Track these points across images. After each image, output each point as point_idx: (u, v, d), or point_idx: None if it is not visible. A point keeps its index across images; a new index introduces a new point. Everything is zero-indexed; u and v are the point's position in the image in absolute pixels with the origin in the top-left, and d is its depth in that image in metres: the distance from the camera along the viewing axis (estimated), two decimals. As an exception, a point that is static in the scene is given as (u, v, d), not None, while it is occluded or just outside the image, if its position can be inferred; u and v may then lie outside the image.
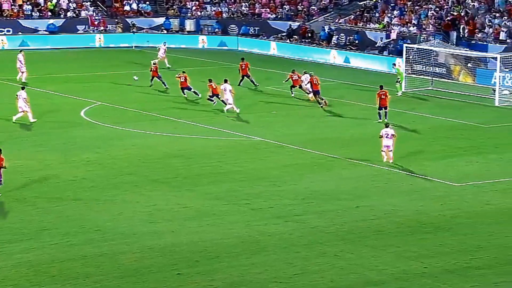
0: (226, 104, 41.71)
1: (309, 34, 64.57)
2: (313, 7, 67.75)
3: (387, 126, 32.69)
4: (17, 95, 38.98)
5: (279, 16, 68.46)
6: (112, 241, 23.70)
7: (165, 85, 47.58)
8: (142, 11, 70.81)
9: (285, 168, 31.85)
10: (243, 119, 40.99)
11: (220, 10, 70.16)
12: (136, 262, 22.21)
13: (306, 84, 45.57)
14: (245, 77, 48.27)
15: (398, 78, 47.67)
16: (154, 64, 48.54)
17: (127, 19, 69.14)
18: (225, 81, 42.39)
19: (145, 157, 33.13)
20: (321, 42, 63.22)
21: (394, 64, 51.94)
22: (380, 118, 39.88)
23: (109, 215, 26.06)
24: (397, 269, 21.80)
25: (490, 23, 55.97)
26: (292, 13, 68.15)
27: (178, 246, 23.34)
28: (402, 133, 37.61)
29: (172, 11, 70.79)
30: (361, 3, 65.47)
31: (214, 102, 42.59)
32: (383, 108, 39.84)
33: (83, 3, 70.26)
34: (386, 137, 32.17)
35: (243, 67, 48.31)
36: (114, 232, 24.46)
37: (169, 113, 41.71)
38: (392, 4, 63.08)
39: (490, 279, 21.22)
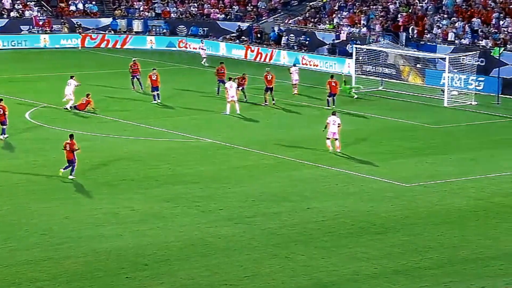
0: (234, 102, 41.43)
1: (259, 35, 64.72)
2: (263, 7, 67.88)
3: (334, 114, 34.29)
4: None
5: (228, 17, 68.46)
6: (58, 245, 23.44)
7: (141, 87, 47.11)
8: (88, 12, 70.22)
9: (235, 169, 31.86)
10: (192, 121, 40.90)
11: (168, 10, 69.87)
12: (83, 266, 21.99)
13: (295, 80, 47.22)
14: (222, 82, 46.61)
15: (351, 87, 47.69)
16: (134, 61, 48.05)
17: (73, 20, 68.49)
18: (229, 79, 42.50)
19: (92, 159, 32.83)
20: (270, 43, 63.41)
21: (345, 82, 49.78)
22: (328, 105, 43.14)
23: (55, 219, 25.77)
24: (347, 270, 21.93)
25: (438, 24, 56.72)
26: (241, 14, 68.22)
27: (126, 250, 23.17)
28: (352, 134, 37.91)
29: (119, 11, 70.33)
30: (310, 3, 65.80)
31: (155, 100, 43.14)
32: (332, 96, 43.37)
33: (27, 3, 69.40)
34: (333, 124, 33.71)
35: (221, 72, 46.73)
36: (60, 236, 24.19)
37: (118, 115, 41.43)
38: (342, 5, 63.52)
39: (440, 279, 21.48)
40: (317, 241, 24.08)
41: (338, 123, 34.03)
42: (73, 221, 25.58)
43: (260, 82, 49.16)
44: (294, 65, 50.39)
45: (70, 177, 30.01)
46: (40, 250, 23.08)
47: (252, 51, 61.76)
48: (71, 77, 43.49)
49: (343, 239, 24.34)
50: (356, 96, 47.29)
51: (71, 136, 30.62)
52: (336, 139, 34.06)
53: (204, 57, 58.54)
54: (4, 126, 36.02)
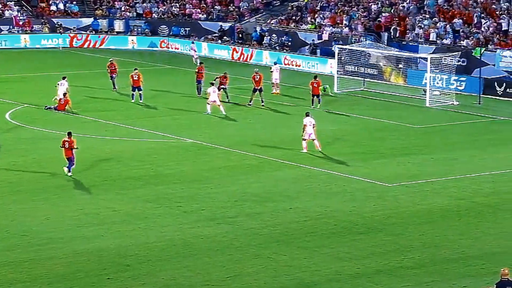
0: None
1: (240, 35, 64.70)
2: (245, 6, 67.86)
3: (308, 115, 34.68)
4: None
5: (209, 17, 68.37)
6: (39, 246, 23.33)
7: (114, 87, 47.04)
8: (69, 11, 69.94)
9: (217, 169, 31.83)
10: (174, 121, 40.83)
11: (150, 10, 69.70)
12: (64, 267, 21.90)
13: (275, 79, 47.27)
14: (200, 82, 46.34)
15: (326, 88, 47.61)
16: (110, 61, 47.91)
17: (53, 20, 68.19)
18: (211, 83, 42.38)
19: (73, 160, 32.67)
20: (252, 43, 63.42)
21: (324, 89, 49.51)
22: (313, 105, 43.45)
23: (35, 220, 25.65)
24: (330, 270, 21.96)
25: (420, 24, 56.93)
26: (223, 14, 68.18)
27: (108, 251, 23.09)
28: (334, 134, 38.00)
29: (101, 11, 70.10)
30: (292, 3, 65.86)
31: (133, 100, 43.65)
32: (315, 96, 43.74)
33: (7, 3, 69.01)
34: (309, 125, 34.18)
35: (200, 72, 46.42)
36: (41, 237, 24.07)
37: (99, 116, 41.29)
38: (324, 5, 63.61)
39: (422, 279, 21.55)
40: (299, 241, 24.10)
41: (313, 124, 34.28)
42: (54, 222, 25.48)
43: (242, 82, 49.23)
44: (275, 63, 50.30)
45: (69, 174, 30.15)
46: (20, 251, 22.96)
47: (237, 52, 61.70)
48: (63, 78, 43.32)
49: (326, 239, 24.38)
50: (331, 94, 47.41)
51: (69, 134, 30.85)
52: (314, 139, 34.18)
53: (196, 58, 58.44)
54: None
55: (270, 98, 46.11)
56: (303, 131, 34.46)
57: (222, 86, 44.69)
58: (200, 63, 48.55)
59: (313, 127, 34.31)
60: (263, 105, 44.10)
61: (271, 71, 48.41)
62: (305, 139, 34.27)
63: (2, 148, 34.66)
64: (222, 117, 41.60)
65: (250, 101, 44.28)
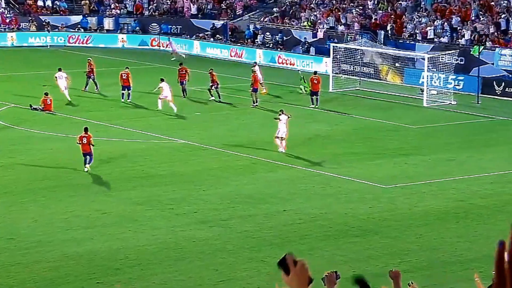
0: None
1: (231, 33, 64.74)
2: (239, 1, 67.86)
3: (283, 113, 34.65)
4: None
5: (201, 12, 68.29)
6: (27, 250, 23.33)
7: (96, 86, 47.02)
8: (57, 9, 69.84)
9: (210, 171, 31.85)
10: (165, 121, 40.84)
11: (141, 4, 69.50)
12: (52, 271, 21.90)
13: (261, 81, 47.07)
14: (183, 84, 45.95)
15: (304, 88, 47.31)
16: (88, 61, 47.85)
17: (41, 17, 68.09)
18: (161, 79, 42.53)
19: (62, 161, 32.69)
20: (246, 42, 63.46)
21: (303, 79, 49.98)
22: (313, 104, 43.74)
23: (23, 222, 25.63)
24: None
25: (417, 22, 57.05)
26: (216, 11, 68.18)
27: (97, 254, 23.10)
28: (329, 134, 38.05)
29: (87, 5, 69.79)
30: (286, 0, 65.92)
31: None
32: (314, 94, 43.69)
33: (-6, 0, 69.00)
34: (284, 123, 34.08)
35: (182, 73, 45.88)
36: (29, 240, 24.07)
37: (89, 116, 41.25)
38: (319, 2, 63.69)
39: (420, 282, 21.54)
40: (293, 244, 24.13)
41: (286, 119, 34.30)
42: (42, 225, 25.46)
43: (233, 82, 49.20)
44: (255, 63, 49.42)
45: (85, 169, 30.73)
46: (7, 255, 22.94)
47: (233, 51, 61.63)
48: (59, 69, 44.53)
49: (320, 242, 24.41)
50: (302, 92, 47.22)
51: (86, 129, 31.59)
52: (283, 138, 34.05)
53: (177, 52, 59.23)
54: None
55: (271, 100, 46.12)
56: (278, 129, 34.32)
57: (213, 85, 44.65)
58: (180, 64, 48.17)
59: (286, 125, 33.99)
60: (256, 105, 44.15)
61: (255, 72, 47.72)
62: (278, 137, 34.20)
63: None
64: (214, 117, 41.61)
65: (253, 103, 43.79)
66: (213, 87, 44.82)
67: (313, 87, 43.93)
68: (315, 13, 62.58)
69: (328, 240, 24.58)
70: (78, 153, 33.63)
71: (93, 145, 31.21)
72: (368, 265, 22.59)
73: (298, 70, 50.80)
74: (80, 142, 31.31)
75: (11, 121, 39.94)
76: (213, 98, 45.06)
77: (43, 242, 23.97)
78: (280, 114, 34.71)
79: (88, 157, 31.18)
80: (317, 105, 43.91)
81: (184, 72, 46.17)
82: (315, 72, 45.29)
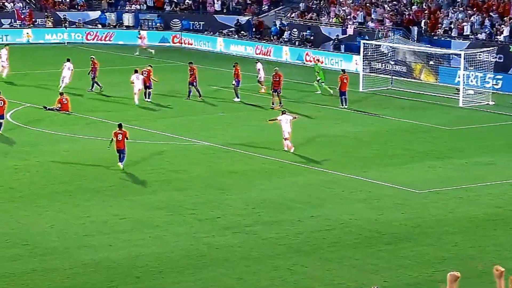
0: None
1: (254, 30, 64.76)
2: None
3: (284, 113, 34.96)
4: None
5: (225, 7, 68.36)
6: (42, 257, 23.44)
7: (99, 86, 47.27)
8: (75, 4, 70.26)
9: (234, 174, 31.88)
10: (185, 122, 40.93)
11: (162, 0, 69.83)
12: (69, 279, 21.99)
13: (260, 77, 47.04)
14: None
15: (318, 78, 47.49)
16: (91, 59, 48.15)
17: (58, 13, 68.52)
18: (135, 70, 43.88)
19: (79, 163, 32.86)
20: (272, 38, 63.48)
21: (318, 60, 52.10)
22: (342, 105, 43.88)
23: (38, 228, 25.77)
24: (355, 283, 21.94)
25: (453, 18, 56.79)
26: (240, 7, 68.25)
27: (116, 261, 23.18)
28: (359, 136, 37.97)
29: (107, 2, 70.17)
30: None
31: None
32: (343, 94, 43.81)
33: (9, -5, 69.50)
34: (286, 123, 34.41)
35: (191, 73, 45.47)
36: (45, 247, 24.19)
37: (105, 116, 41.44)
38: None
39: (455, 293, 21.47)
40: (321, 252, 24.10)
41: (290, 120, 34.54)
42: (58, 230, 25.59)
43: (254, 81, 49.15)
44: (258, 61, 49.66)
45: (121, 166, 31.56)
46: (22, 262, 23.07)
47: (258, 48, 61.66)
48: (68, 60, 46.24)
49: (350, 249, 24.36)
50: (318, 92, 47.13)
51: (120, 125, 32.36)
52: (287, 138, 34.33)
53: (145, 46, 60.78)
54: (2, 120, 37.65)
55: (302, 99, 46.05)
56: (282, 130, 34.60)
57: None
58: (190, 63, 47.58)
59: (290, 125, 34.29)
60: (281, 106, 44.05)
61: (258, 69, 47.75)
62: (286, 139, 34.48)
63: (2, 151, 34.85)
64: (238, 119, 41.64)
65: (272, 104, 43.71)
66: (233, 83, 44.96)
67: (342, 87, 43.90)
68: (344, 8, 62.46)
69: (358, 247, 24.52)
70: (94, 155, 33.83)
71: (127, 138, 32.01)
72: (400, 275, 22.51)
73: (317, 63, 50.49)
74: (115, 138, 31.93)
75: (26, 122, 40.21)
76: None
77: (59, 248, 24.09)
78: (280, 115, 34.72)
79: (122, 154, 31.86)
80: (346, 105, 43.88)
81: (192, 72, 45.79)
82: (344, 71, 45.29)
